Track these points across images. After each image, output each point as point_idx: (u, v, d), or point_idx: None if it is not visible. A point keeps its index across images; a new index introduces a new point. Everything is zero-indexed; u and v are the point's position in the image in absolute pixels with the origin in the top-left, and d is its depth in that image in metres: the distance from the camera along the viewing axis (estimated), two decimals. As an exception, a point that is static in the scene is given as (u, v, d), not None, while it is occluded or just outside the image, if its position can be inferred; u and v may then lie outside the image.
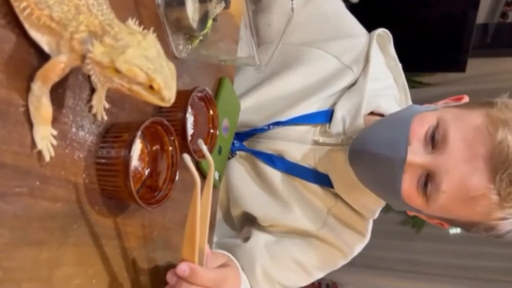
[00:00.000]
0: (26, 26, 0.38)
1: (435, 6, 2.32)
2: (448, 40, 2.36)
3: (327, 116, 0.86)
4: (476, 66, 2.49)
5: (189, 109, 0.61)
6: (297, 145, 0.85)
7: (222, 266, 0.66)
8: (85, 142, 0.47)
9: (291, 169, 0.86)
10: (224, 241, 0.92)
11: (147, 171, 0.54)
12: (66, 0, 0.37)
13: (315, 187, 0.86)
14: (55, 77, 0.39)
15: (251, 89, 0.90)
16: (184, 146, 0.59)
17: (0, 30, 0.37)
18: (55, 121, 0.42)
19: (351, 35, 0.91)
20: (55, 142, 0.42)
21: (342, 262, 0.91)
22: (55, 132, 0.42)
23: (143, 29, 0.41)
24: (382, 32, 0.91)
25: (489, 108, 0.67)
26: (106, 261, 0.50)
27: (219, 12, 0.69)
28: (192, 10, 0.62)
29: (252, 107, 0.89)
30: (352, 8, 2.27)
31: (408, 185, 0.68)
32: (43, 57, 0.40)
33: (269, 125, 0.87)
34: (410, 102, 0.93)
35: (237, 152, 0.89)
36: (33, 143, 0.40)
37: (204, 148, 0.49)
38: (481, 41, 2.50)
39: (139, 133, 0.48)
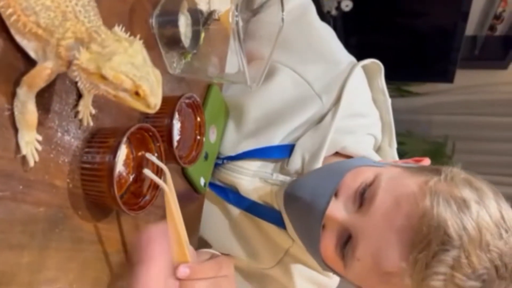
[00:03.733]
0: (13, 32, 0.38)
1: (425, 17, 2.36)
2: (437, 50, 2.39)
3: (286, 151, 0.78)
4: (464, 77, 2.53)
5: (176, 115, 0.61)
6: (253, 180, 0.78)
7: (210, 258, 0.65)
8: (70, 146, 0.47)
9: (245, 205, 0.79)
10: None
11: (131, 177, 0.54)
12: (53, 7, 0.37)
13: (273, 226, 0.78)
14: (41, 83, 0.39)
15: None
16: (170, 152, 0.59)
17: (-13, 35, 0.38)
18: (40, 126, 0.42)
19: (330, 60, 0.81)
20: (39, 147, 0.42)
21: None
22: (40, 138, 0.42)
23: (130, 36, 0.41)
24: (371, 63, 0.80)
25: (433, 176, 0.57)
26: (87, 266, 0.50)
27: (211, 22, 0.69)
28: (184, 27, 0.63)
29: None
30: (343, 17, 2.29)
31: (328, 242, 0.61)
32: (30, 62, 0.40)
33: (222, 159, 0.81)
34: (394, 145, 0.83)
35: None
36: (18, 148, 0.40)
37: (154, 176, 0.48)
38: (470, 53, 2.55)
39: (124, 139, 0.48)
